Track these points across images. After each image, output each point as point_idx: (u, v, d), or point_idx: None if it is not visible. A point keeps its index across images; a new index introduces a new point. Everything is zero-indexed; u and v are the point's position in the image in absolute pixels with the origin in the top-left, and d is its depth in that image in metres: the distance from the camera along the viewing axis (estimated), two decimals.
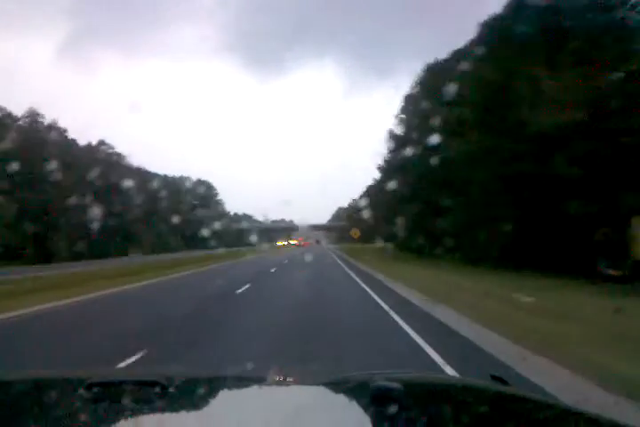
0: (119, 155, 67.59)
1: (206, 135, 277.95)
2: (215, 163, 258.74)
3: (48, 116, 55.46)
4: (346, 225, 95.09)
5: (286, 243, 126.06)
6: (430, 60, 33.84)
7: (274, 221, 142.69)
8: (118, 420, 1.24)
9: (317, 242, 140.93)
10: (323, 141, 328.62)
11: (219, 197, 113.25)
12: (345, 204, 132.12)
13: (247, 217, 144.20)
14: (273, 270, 25.75)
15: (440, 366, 5.84)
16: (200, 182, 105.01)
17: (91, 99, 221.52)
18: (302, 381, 1.81)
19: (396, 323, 9.10)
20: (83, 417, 1.27)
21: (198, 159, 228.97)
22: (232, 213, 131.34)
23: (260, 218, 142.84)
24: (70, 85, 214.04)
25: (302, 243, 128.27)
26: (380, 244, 48.58)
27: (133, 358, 6.58)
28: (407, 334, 7.95)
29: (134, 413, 1.25)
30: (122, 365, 6.18)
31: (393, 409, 1.15)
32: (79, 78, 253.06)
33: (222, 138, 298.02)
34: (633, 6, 16.74)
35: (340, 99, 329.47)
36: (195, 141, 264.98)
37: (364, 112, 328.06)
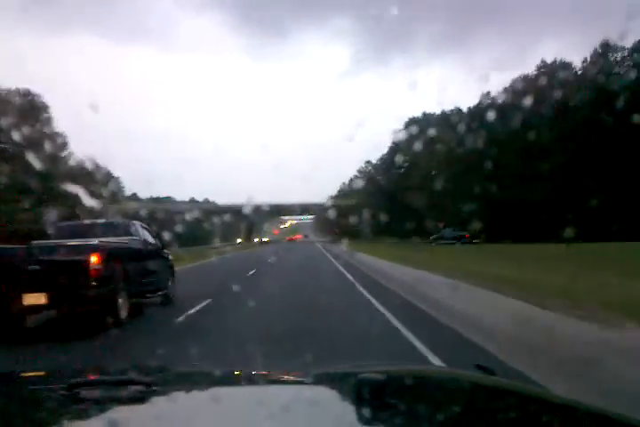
0: None
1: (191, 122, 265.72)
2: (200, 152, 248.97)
3: None
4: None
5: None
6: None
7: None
8: (101, 421, 1.21)
9: (305, 236, 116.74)
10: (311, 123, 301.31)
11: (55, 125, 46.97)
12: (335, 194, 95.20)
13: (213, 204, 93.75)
14: None
15: None
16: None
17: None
18: (288, 375, 1.82)
19: None
20: (64, 418, 1.26)
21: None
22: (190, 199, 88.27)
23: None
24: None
25: (286, 238, 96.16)
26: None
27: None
28: None
29: (118, 413, 1.23)
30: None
31: (378, 401, 1.16)
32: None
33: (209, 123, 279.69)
34: None
35: (338, 73, 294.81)
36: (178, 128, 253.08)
37: (362, 89, 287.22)
